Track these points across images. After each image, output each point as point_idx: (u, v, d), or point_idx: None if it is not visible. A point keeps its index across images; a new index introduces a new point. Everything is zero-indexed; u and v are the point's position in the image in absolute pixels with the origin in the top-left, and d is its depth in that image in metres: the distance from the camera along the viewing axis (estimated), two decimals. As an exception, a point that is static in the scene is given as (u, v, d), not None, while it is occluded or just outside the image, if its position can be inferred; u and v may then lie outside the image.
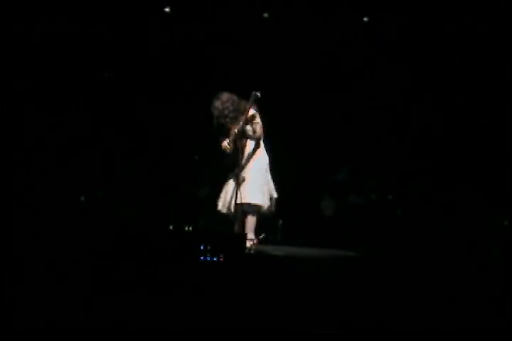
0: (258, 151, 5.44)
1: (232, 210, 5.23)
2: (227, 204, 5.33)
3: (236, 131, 5.30)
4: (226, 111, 5.39)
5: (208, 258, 4.12)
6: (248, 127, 5.26)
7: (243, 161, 5.31)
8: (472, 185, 6.98)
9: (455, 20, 7.20)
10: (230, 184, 5.37)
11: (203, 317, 3.09)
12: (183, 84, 7.57)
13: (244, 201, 5.24)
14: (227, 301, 3.34)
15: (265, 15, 7.62)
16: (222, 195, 5.43)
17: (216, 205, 5.46)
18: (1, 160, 6.22)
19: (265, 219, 5.63)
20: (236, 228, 5.33)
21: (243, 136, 5.26)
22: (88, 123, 7.46)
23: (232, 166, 5.42)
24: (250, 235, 5.29)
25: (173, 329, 2.96)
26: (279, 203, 5.47)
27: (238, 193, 5.17)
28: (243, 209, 5.28)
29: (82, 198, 6.70)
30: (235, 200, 5.15)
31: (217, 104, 5.42)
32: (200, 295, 3.39)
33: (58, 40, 7.23)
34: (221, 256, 4.14)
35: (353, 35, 7.61)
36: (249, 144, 5.35)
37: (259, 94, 5.14)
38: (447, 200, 6.95)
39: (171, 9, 7.58)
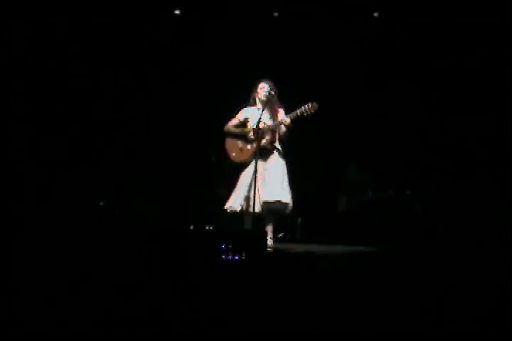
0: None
1: (255, 208, 5.10)
2: (251, 202, 5.13)
3: (284, 121, 5.24)
4: (273, 92, 5.38)
5: (230, 257, 4.13)
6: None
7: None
8: (490, 181, 6.93)
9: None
10: (251, 182, 5.22)
11: (226, 316, 3.09)
12: (200, 86, 7.58)
13: (277, 199, 5.23)
14: (250, 300, 3.34)
15: (275, 14, 7.61)
16: (242, 192, 5.31)
17: (228, 203, 5.36)
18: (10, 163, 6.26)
19: (284, 218, 5.63)
20: (249, 226, 5.28)
21: (286, 127, 5.27)
22: (102, 126, 7.50)
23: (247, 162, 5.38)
24: (271, 233, 5.29)
25: (195, 329, 2.97)
26: (297, 201, 5.46)
27: (265, 190, 5.17)
28: (270, 208, 5.24)
29: (102, 202, 6.73)
30: (263, 198, 5.14)
31: (270, 84, 5.41)
32: (223, 294, 3.39)
33: (70, 42, 7.27)
34: (243, 254, 4.14)
35: (362, 32, 7.60)
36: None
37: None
38: (465, 196, 6.92)
39: (181, 11, 7.59)
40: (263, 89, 5.37)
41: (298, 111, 5.18)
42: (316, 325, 3.01)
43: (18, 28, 6.67)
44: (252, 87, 5.49)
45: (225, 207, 5.37)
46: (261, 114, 5.23)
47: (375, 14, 7.51)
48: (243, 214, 5.32)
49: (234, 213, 5.34)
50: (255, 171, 5.10)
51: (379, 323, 3.03)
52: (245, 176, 5.32)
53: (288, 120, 5.19)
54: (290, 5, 7.42)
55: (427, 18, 7.23)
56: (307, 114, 5.16)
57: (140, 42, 7.58)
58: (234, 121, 5.49)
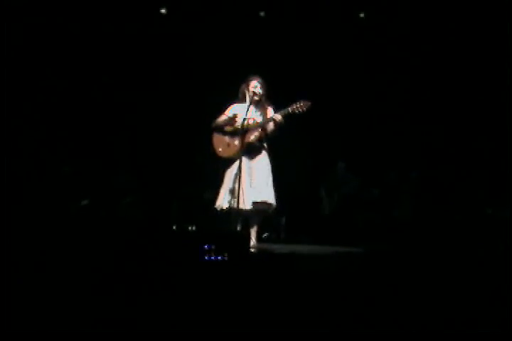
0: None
1: (240, 206, 5.06)
2: (240, 201, 5.07)
3: (275, 118, 5.20)
4: (262, 91, 5.36)
5: (213, 258, 4.11)
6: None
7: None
8: (474, 180, 6.97)
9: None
10: (235, 178, 5.14)
11: (208, 317, 3.07)
12: (185, 86, 7.56)
13: (264, 200, 5.20)
14: (232, 300, 3.33)
15: (261, 14, 7.61)
16: (229, 189, 5.23)
17: (217, 202, 5.30)
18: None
19: (268, 218, 5.61)
20: (238, 226, 5.24)
21: (277, 125, 5.23)
22: (86, 126, 7.47)
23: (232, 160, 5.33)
24: (255, 233, 5.28)
25: (178, 330, 2.95)
26: (282, 201, 5.43)
27: (253, 190, 5.15)
28: (257, 208, 5.21)
29: (85, 202, 6.69)
30: (251, 198, 5.10)
31: (261, 82, 5.38)
32: (205, 294, 3.38)
33: (56, 42, 7.26)
34: (225, 255, 4.12)
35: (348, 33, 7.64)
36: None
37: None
38: (450, 194, 6.94)
39: (167, 10, 7.57)
40: (255, 87, 5.34)
41: (289, 109, 5.15)
42: (299, 325, 3.00)
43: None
44: (242, 83, 5.45)
45: (215, 206, 5.33)
46: (246, 112, 5.22)
47: (361, 15, 7.55)
48: (231, 211, 5.24)
49: (224, 211, 5.27)
50: (240, 168, 5.07)
51: (364, 324, 3.02)
52: (231, 173, 5.30)
53: (279, 117, 5.17)
54: (279, 5, 7.44)
55: (411, 17, 7.29)
56: (298, 112, 5.13)
57: (128, 40, 7.56)
58: (222, 117, 5.45)
